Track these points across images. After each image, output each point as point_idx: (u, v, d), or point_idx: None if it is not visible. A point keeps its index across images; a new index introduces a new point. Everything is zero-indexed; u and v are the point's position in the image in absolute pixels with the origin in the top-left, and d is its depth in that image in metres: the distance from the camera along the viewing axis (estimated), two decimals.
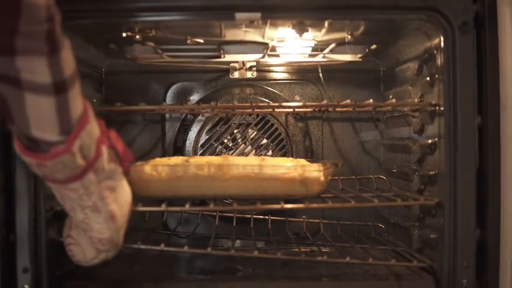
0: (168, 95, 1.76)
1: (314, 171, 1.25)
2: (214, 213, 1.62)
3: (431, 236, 1.32)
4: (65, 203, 0.97)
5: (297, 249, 1.57)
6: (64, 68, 0.83)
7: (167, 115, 1.76)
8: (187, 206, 1.21)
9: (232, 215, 1.61)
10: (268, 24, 1.30)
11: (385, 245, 1.57)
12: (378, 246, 1.56)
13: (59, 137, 0.86)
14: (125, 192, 1.02)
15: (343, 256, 1.31)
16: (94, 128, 0.92)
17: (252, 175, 1.24)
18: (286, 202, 1.26)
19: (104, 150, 0.95)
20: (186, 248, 1.26)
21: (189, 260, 1.53)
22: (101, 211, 0.96)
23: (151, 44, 1.39)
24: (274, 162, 1.29)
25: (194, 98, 1.76)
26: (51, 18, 0.77)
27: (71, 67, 0.85)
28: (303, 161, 1.33)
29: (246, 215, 1.64)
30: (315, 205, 1.28)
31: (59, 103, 0.83)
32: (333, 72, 1.77)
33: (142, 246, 1.27)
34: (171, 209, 1.24)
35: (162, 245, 1.27)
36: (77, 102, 0.88)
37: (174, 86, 1.77)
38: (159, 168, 1.23)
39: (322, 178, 1.26)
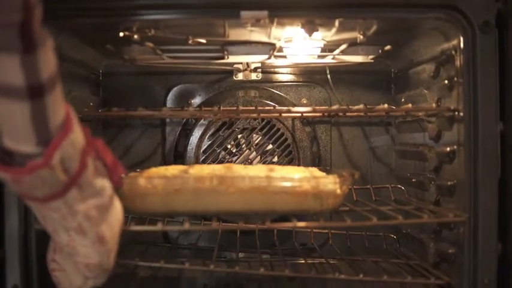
0: (169, 98, 1.68)
1: (329, 183, 1.12)
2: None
3: (449, 251, 1.24)
4: (47, 224, 0.86)
5: (303, 261, 1.49)
6: (41, 70, 0.72)
7: (167, 119, 1.67)
8: (186, 225, 1.10)
9: (236, 225, 1.51)
10: (275, 24, 1.22)
11: (398, 258, 1.49)
12: (391, 259, 1.47)
13: (36, 148, 0.76)
14: (115, 210, 0.92)
15: (356, 273, 1.22)
16: (78, 137, 0.82)
17: (259, 188, 1.11)
18: (299, 219, 1.15)
19: (90, 162, 0.84)
20: (187, 265, 1.18)
21: (190, 276, 1.44)
22: (87, 233, 0.85)
23: (150, 44, 1.30)
24: (284, 172, 1.18)
25: (196, 100, 1.68)
26: (27, 8, 0.67)
27: (50, 69, 0.74)
28: (316, 171, 1.23)
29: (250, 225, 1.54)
30: (329, 223, 1.18)
31: (34, 109, 0.73)
32: (342, 74, 1.68)
33: (140, 263, 1.18)
34: (168, 228, 1.12)
35: (162, 262, 1.18)
36: (57, 108, 0.77)
37: (175, 88, 1.68)
38: (155, 181, 1.10)
39: (338, 191, 1.13)
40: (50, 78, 0.74)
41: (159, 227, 1.10)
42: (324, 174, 1.22)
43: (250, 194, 1.11)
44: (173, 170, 1.19)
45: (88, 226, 0.85)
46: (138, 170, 1.26)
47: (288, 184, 1.11)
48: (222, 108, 1.44)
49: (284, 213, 1.18)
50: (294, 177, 1.13)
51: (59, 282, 0.94)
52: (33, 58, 0.71)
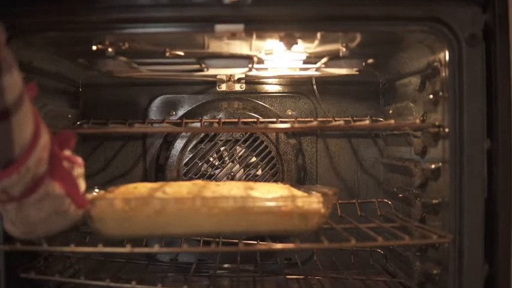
0: (150, 109, 1.63)
1: (314, 202, 1.08)
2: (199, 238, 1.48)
3: (434, 271, 1.20)
4: None
5: (288, 277, 1.45)
6: (7, 95, 0.72)
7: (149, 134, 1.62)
8: (156, 247, 1.05)
9: (218, 239, 1.46)
10: (254, 36, 1.17)
11: (383, 275, 1.45)
12: (376, 276, 1.43)
13: None
14: None
15: None
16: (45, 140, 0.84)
17: (244, 209, 1.06)
18: (273, 240, 1.11)
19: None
20: (133, 284, 1.14)
21: None
22: None
23: (124, 58, 1.25)
24: (263, 190, 1.14)
25: (179, 112, 1.63)
26: None
27: (15, 91, 0.73)
28: (295, 191, 1.18)
29: (232, 240, 1.49)
30: (307, 245, 1.12)
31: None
32: (328, 85, 1.64)
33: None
34: (137, 250, 1.06)
35: (108, 281, 1.14)
36: (24, 126, 0.79)
37: (158, 99, 1.63)
38: (133, 202, 1.04)
39: (323, 210, 1.09)
40: (16, 99, 0.74)
41: (127, 249, 1.04)
42: (301, 192, 1.18)
43: (234, 215, 1.06)
44: (143, 188, 1.15)
45: None
46: (108, 188, 1.21)
47: (272, 204, 1.06)
48: (203, 120, 1.40)
49: (268, 233, 1.13)
50: (278, 197, 1.08)
51: None
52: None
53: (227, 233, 1.12)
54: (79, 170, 0.98)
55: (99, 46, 1.20)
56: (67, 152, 0.96)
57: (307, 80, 1.62)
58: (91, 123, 1.38)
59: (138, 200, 1.05)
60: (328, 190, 1.15)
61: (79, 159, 0.99)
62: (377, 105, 1.64)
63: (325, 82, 1.62)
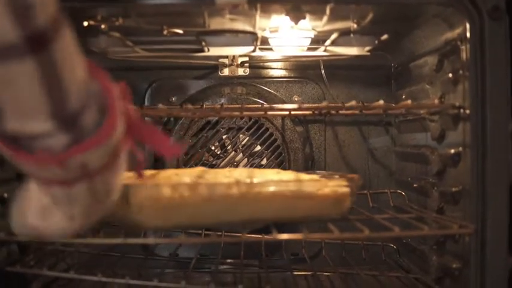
0: (148, 95, 1.53)
1: (344, 186, 1.00)
2: (200, 231, 1.39)
3: (454, 265, 1.10)
4: None
5: (295, 273, 1.36)
6: (35, 12, 0.51)
7: (146, 117, 1.53)
8: (151, 239, 0.96)
9: (220, 233, 1.37)
10: (258, 11, 1.08)
11: (397, 270, 1.36)
12: (389, 272, 1.34)
13: (49, 123, 0.56)
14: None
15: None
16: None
17: (287, 194, 0.96)
18: (280, 230, 1.01)
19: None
20: (155, 282, 1.04)
21: None
22: None
23: (116, 34, 1.16)
24: (262, 175, 1.05)
25: (178, 98, 1.53)
26: None
27: (48, 9, 0.53)
28: (305, 176, 1.09)
29: (236, 233, 1.39)
30: (316, 235, 1.03)
31: (41, 66, 0.53)
32: (337, 69, 1.54)
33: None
34: (130, 241, 0.96)
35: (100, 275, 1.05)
36: (72, 61, 0.58)
37: (156, 85, 1.54)
38: (181, 189, 0.93)
39: (351, 194, 1.02)
40: (51, 21, 0.54)
41: (120, 240, 0.95)
42: (316, 177, 1.09)
43: (278, 200, 0.96)
44: (166, 174, 1.05)
45: None
46: None
47: (311, 188, 0.97)
48: (204, 106, 1.30)
49: (303, 220, 1.04)
50: (313, 180, 1.00)
51: None
52: None
53: (267, 219, 1.02)
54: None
55: (91, 22, 1.11)
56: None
57: (315, 64, 1.52)
58: None
59: (187, 187, 0.94)
60: (351, 175, 1.07)
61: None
62: (389, 91, 1.54)
63: (333, 66, 1.53)
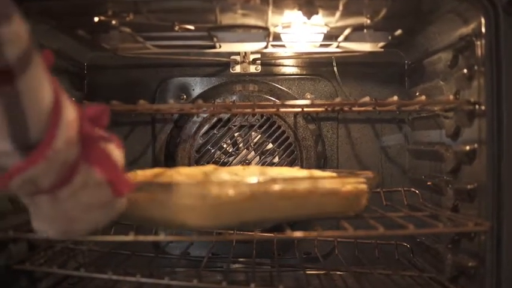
0: (159, 92, 1.52)
1: (362, 183, 0.99)
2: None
3: (469, 264, 1.08)
4: None
5: (308, 272, 1.35)
6: (7, 50, 0.55)
7: (158, 115, 1.52)
8: (161, 236, 0.94)
9: (232, 231, 1.35)
10: (270, 6, 1.07)
11: (411, 270, 1.34)
12: (403, 271, 1.32)
13: (11, 146, 0.61)
14: None
15: (361, 287, 1.07)
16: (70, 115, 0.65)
17: (312, 191, 0.93)
18: (292, 229, 0.97)
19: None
20: (166, 280, 1.02)
21: None
22: None
23: (127, 29, 1.15)
24: (277, 172, 1.03)
25: (189, 95, 1.53)
26: None
27: (19, 46, 0.56)
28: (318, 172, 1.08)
29: (248, 232, 1.37)
30: (329, 233, 1.01)
31: (5, 101, 0.58)
32: (350, 66, 1.52)
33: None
34: (141, 238, 0.94)
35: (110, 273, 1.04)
36: (37, 93, 0.60)
37: (167, 82, 1.53)
38: (227, 186, 0.89)
39: (367, 191, 1.01)
40: (20, 56, 0.57)
41: (130, 237, 0.93)
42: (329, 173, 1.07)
43: (309, 196, 0.93)
44: (189, 172, 1.03)
45: None
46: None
47: (335, 185, 0.95)
48: (215, 103, 1.29)
49: (328, 216, 1.02)
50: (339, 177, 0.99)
51: None
52: None
53: (296, 216, 0.99)
54: (117, 152, 0.76)
55: (102, 17, 1.11)
56: (100, 131, 0.74)
57: (327, 61, 1.51)
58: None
59: (231, 184, 0.90)
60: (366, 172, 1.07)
61: (116, 138, 0.78)
62: (402, 88, 1.52)
63: (346, 63, 1.51)
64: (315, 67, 1.54)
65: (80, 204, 0.71)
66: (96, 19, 1.10)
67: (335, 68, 1.50)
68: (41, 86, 0.61)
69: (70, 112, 0.65)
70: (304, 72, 1.55)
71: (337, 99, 1.19)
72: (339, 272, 1.36)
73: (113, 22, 1.12)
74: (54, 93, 0.63)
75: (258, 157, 1.49)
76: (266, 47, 1.30)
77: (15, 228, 0.97)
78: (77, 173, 0.68)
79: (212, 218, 0.91)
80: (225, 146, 1.49)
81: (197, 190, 0.89)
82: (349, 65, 1.52)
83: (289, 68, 1.55)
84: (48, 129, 0.62)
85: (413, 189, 1.44)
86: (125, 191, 0.74)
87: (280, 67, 1.55)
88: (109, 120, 0.74)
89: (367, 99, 1.16)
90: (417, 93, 1.41)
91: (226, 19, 1.19)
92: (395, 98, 1.15)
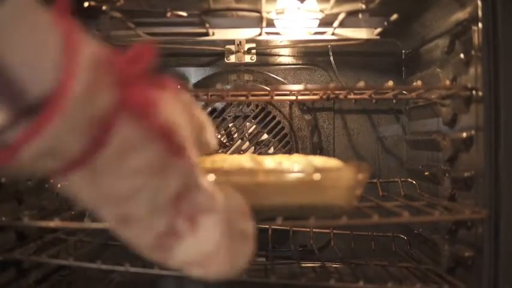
0: None
1: (362, 173, 0.89)
2: None
3: (466, 254, 1.06)
4: None
5: (303, 265, 1.33)
6: None
7: None
8: None
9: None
10: None
11: (407, 261, 1.31)
12: (400, 263, 1.30)
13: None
14: None
15: (355, 279, 1.04)
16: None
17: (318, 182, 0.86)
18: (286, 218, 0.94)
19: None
20: (156, 270, 1.00)
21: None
22: None
23: (118, 14, 1.13)
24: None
25: (183, 85, 1.50)
26: None
27: None
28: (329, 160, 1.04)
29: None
30: (324, 221, 0.95)
31: None
32: (346, 56, 1.49)
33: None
34: None
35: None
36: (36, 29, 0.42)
37: (160, 72, 1.50)
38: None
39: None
40: None
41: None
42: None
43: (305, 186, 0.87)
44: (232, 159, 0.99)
45: None
46: None
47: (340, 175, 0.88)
48: (210, 93, 1.26)
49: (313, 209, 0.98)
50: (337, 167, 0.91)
51: None
52: None
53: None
54: (171, 99, 0.56)
55: (92, 2, 1.08)
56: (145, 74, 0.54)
57: (323, 51, 1.48)
58: None
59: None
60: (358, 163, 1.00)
61: (171, 83, 0.59)
62: (399, 78, 1.50)
63: (342, 53, 1.48)
64: (311, 56, 1.52)
65: (137, 177, 0.51)
66: (86, 4, 1.08)
67: (331, 58, 1.48)
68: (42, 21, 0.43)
69: (92, 49, 0.46)
70: (300, 62, 1.53)
71: (332, 85, 1.17)
72: (334, 265, 1.34)
73: (103, 7, 1.09)
74: (64, 32, 0.44)
75: (253, 148, 1.46)
76: (260, 34, 1.28)
77: (3, 214, 0.95)
78: (113, 129, 0.48)
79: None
80: (219, 136, 1.47)
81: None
82: (346, 54, 1.49)
83: (285, 58, 1.53)
84: (62, 72, 0.43)
85: (410, 180, 1.42)
86: (181, 150, 0.53)
87: (276, 57, 1.53)
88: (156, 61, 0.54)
89: (362, 83, 1.13)
90: (414, 82, 1.38)
91: (219, 5, 1.17)
92: (390, 82, 1.13)
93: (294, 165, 0.88)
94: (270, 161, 0.91)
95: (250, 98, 1.27)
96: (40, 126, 0.42)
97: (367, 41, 1.34)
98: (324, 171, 0.87)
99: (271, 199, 0.88)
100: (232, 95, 1.26)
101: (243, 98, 1.28)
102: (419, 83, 1.14)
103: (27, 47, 0.41)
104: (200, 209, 0.54)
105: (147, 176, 0.50)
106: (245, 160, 0.95)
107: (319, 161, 0.95)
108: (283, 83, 1.50)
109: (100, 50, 0.47)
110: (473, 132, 1.04)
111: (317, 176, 0.83)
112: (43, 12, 0.43)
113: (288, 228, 1.42)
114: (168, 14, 1.17)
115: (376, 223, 0.93)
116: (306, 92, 1.23)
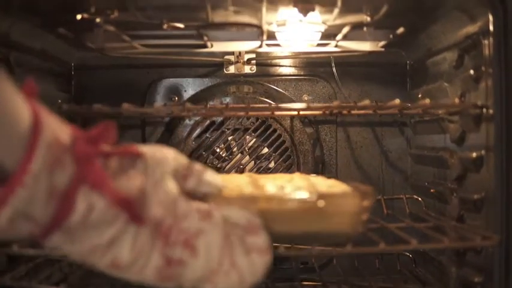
0: (150, 94, 1.45)
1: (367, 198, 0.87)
2: None
3: (475, 279, 1.01)
4: None
5: (305, 283, 1.30)
6: None
7: (148, 118, 1.45)
8: None
9: None
10: (264, 2, 1.00)
11: (413, 282, 1.27)
12: (404, 284, 1.25)
13: None
14: None
15: None
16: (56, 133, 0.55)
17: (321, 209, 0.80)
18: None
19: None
20: None
21: None
22: None
23: (111, 28, 1.08)
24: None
25: (181, 97, 1.46)
26: None
27: None
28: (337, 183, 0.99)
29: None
30: (328, 249, 0.91)
31: None
32: (349, 66, 1.45)
33: None
34: None
35: None
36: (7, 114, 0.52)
37: (158, 84, 1.46)
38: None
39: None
40: None
41: None
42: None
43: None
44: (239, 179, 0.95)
45: None
46: None
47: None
48: (208, 105, 1.21)
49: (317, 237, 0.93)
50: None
51: None
52: None
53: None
54: (140, 165, 0.62)
55: (85, 15, 1.04)
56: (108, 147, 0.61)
57: (325, 61, 1.44)
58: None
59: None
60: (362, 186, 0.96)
61: (136, 149, 0.63)
62: (404, 90, 1.45)
63: (345, 64, 1.44)
64: (313, 67, 1.48)
65: (102, 235, 0.57)
66: (78, 17, 1.03)
67: (334, 69, 1.43)
68: (12, 109, 0.52)
69: (54, 131, 0.55)
70: (302, 73, 1.48)
71: (335, 103, 1.13)
72: (336, 284, 1.29)
73: (97, 20, 1.05)
74: (33, 115, 0.54)
75: (253, 162, 1.42)
76: (260, 46, 1.23)
77: None
78: (75, 197, 0.56)
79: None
80: (218, 150, 1.42)
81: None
82: (349, 65, 1.45)
83: (286, 69, 1.48)
84: (24, 153, 0.52)
85: (415, 197, 1.38)
86: (142, 215, 0.59)
87: (276, 67, 1.48)
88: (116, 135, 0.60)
89: (367, 102, 1.09)
90: (420, 95, 1.34)
91: (218, 17, 1.12)
92: (397, 101, 1.08)
93: (297, 192, 0.83)
94: (271, 186, 0.86)
95: (250, 113, 1.22)
96: (6, 195, 0.51)
97: (371, 52, 1.30)
98: (328, 197, 0.83)
99: (273, 226, 0.84)
100: (232, 109, 1.21)
101: (242, 114, 1.23)
102: (426, 100, 1.09)
103: (2, 125, 0.50)
104: (193, 233, 0.60)
105: (123, 224, 0.58)
106: (245, 183, 0.91)
107: (322, 183, 0.91)
108: (284, 95, 1.45)
109: (62, 130, 0.55)
110: (483, 152, 1.00)
111: (321, 203, 0.79)
112: (15, 92, 0.52)
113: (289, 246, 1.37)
114: (165, 26, 1.12)
115: (382, 251, 0.89)
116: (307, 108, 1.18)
